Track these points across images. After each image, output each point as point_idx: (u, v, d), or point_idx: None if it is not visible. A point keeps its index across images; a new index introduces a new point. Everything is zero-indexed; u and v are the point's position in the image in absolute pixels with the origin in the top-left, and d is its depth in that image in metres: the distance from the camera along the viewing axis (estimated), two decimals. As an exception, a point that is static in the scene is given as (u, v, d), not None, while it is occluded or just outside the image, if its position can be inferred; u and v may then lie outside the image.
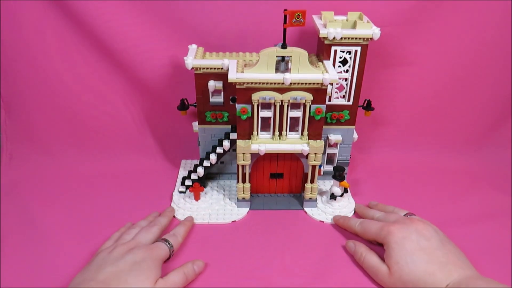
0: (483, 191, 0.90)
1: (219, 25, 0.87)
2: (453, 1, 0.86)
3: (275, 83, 0.70)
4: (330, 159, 0.90)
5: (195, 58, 0.77)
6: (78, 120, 0.96)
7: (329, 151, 0.88)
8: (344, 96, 0.81)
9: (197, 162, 0.87)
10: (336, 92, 0.81)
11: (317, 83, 0.70)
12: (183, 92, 0.86)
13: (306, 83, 0.69)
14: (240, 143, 0.75)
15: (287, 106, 0.72)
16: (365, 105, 0.85)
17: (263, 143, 0.75)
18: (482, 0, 0.86)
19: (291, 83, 0.69)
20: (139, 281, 0.58)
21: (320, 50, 0.79)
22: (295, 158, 0.80)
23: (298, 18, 0.66)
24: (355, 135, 0.86)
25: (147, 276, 0.58)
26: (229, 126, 0.84)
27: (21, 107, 0.95)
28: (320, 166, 0.81)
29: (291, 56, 0.68)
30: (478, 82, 0.96)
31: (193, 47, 0.82)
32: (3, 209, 0.81)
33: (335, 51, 0.75)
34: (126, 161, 0.96)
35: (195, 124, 0.86)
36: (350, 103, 0.81)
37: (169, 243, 0.67)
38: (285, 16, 0.65)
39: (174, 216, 0.80)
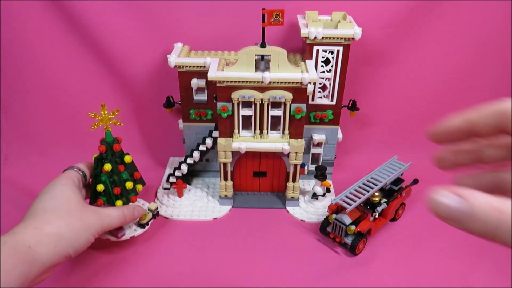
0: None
1: (208, 24, 0.87)
2: (448, 1, 0.85)
3: (254, 82, 0.70)
4: (315, 159, 0.90)
5: (179, 56, 0.78)
6: (70, 120, 0.97)
7: (314, 150, 0.88)
8: (327, 96, 0.81)
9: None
10: (319, 91, 0.81)
11: (297, 82, 0.70)
12: (171, 90, 0.87)
13: (285, 82, 0.70)
14: (221, 141, 0.76)
15: (267, 104, 0.73)
16: (350, 105, 0.85)
17: (244, 141, 0.76)
18: (479, 1, 0.85)
19: (270, 82, 0.69)
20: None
21: (304, 49, 0.79)
22: (278, 157, 0.80)
23: (276, 17, 0.66)
24: (340, 135, 0.86)
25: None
26: (213, 124, 0.84)
27: (15, 108, 0.96)
28: (303, 166, 0.81)
29: (270, 55, 0.69)
30: (474, 83, 0.95)
31: (178, 46, 0.82)
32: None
33: (317, 50, 0.75)
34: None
35: (181, 122, 0.87)
36: (334, 103, 0.81)
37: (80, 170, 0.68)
38: (263, 15, 0.66)
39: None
